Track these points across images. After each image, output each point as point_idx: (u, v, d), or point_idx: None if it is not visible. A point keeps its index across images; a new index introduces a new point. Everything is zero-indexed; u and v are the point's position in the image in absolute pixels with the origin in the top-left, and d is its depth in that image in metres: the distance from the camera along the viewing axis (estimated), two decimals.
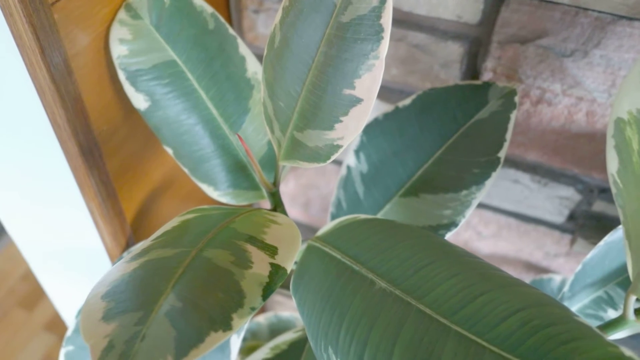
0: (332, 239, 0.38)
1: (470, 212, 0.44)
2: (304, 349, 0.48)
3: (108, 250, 0.53)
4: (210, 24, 0.44)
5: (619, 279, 0.46)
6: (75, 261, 0.60)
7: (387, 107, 0.58)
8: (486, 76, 0.52)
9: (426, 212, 0.45)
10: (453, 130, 0.46)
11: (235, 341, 0.42)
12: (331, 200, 0.50)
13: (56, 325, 1.38)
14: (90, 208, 0.48)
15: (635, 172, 0.35)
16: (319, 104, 0.34)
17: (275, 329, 0.68)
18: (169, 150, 0.45)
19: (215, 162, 0.45)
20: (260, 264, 0.30)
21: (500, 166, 0.43)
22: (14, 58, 0.38)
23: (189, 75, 0.44)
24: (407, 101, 0.47)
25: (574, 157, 0.55)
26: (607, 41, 0.46)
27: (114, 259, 0.54)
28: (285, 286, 0.73)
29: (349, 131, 0.34)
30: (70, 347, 0.48)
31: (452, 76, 0.54)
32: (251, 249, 0.32)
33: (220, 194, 0.46)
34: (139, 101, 0.43)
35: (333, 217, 0.50)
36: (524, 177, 0.59)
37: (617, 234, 0.44)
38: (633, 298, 0.34)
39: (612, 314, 0.47)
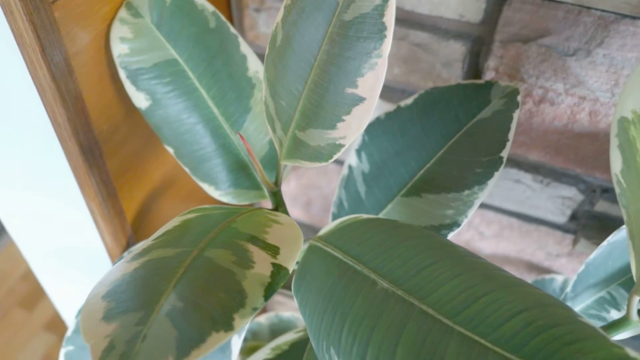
0: (333, 238, 0.37)
1: (472, 212, 0.43)
2: (306, 349, 0.48)
3: (108, 250, 0.53)
4: (211, 23, 0.44)
5: (622, 279, 0.46)
6: (75, 261, 0.60)
7: (388, 107, 0.58)
8: (488, 75, 0.52)
9: (428, 212, 0.45)
10: (455, 130, 0.46)
11: (236, 341, 0.42)
12: (333, 200, 0.50)
13: (56, 325, 1.38)
14: (90, 207, 0.48)
15: (639, 172, 0.34)
16: (321, 102, 0.34)
17: (276, 329, 0.68)
18: (170, 150, 0.44)
19: (216, 161, 0.45)
20: (262, 264, 0.30)
21: (502, 166, 0.43)
22: (15, 56, 0.38)
23: (190, 74, 0.44)
24: (409, 100, 0.47)
25: (576, 157, 0.54)
26: (610, 40, 0.45)
27: (114, 259, 0.53)
28: (286, 286, 0.73)
29: (351, 130, 0.34)
30: (71, 347, 0.48)
31: (454, 75, 0.54)
32: (253, 248, 0.31)
33: (221, 193, 0.46)
34: (140, 100, 0.43)
35: (334, 217, 0.50)
36: (526, 177, 0.59)
37: (620, 234, 0.44)
38: (636, 299, 0.33)
39: (614, 314, 0.47)
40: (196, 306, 0.26)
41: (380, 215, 0.47)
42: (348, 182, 0.49)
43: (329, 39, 0.33)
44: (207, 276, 0.28)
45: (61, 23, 0.37)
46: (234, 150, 0.45)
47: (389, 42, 0.30)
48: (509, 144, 0.43)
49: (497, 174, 0.43)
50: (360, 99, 0.32)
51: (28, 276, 1.48)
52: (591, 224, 0.59)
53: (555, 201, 0.59)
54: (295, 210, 0.79)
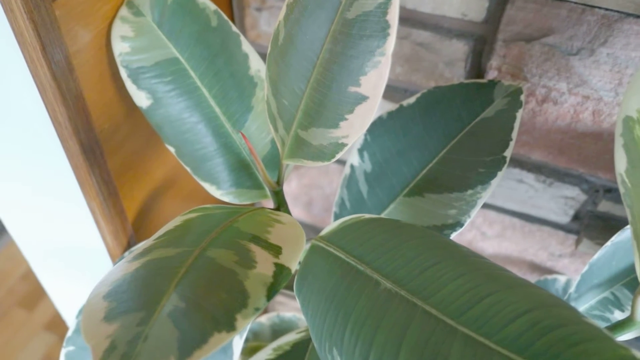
0: (336, 238, 0.37)
1: (475, 211, 0.43)
2: (307, 349, 0.48)
3: (109, 250, 0.52)
4: (213, 21, 0.44)
5: (626, 279, 0.46)
6: (76, 260, 0.59)
7: (391, 106, 0.58)
8: (491, 75, 0.52)
9: (431, 212, 0.45)
10: (458, 129, 0.45)
11: (238, 342, 0.42)
12: (334, 199, 0.50)
13: (56, 324, 1.37)
14: (91, 207, 0.48)
15: None
16: (324, 101, 0.34)
17: (278, 330, 0.68)
18: (171, 149, 0.44)
19: (217, 160, 0.45)
20: (264, 264, 0.30)
21: (506, 165, 0.43)
22: (15, 55, 0.37)
23: (192, 73, 0.43)
24: (411, 100, 0.47)
25: (579, 157, 0.54)
26: (614, 39, 0.45)
27: (115, 259, 0.53)
28: (288, 286, 0.72)
29: (354, 129, 0.33)
30: (71, 348, 0.48)
31: (457, 75, 0.54)
32: (255, 248, 0.31)
33: (222, 193, 0.45)
34: (141, 99, 0.42)
35: (336, 217, 0.49)
36: (529, 177, 0.58)
37: (624, 234, 0.43)
38: None
39: (618, 315, 0.46)
40: (198, 306, 0.26)
41: (383, 215, 0.47)
42: (350, 182, 0.48)
43: (332, 37, 0.32)
44: (209, 276, 0.28)
45: (62, 21, 0.36)
46: (235, 150, 0.45)
47: (392, 40, 0.30)
48: (512, 144, 0.43)
49: (500, 174, 0.43)
50: (363, 98, 0.32)
51: (28, 276, 1.47)
52: (594, 224, 0.59)
53: (558, 201, 0.59)
54: (296, 210, 0.79)
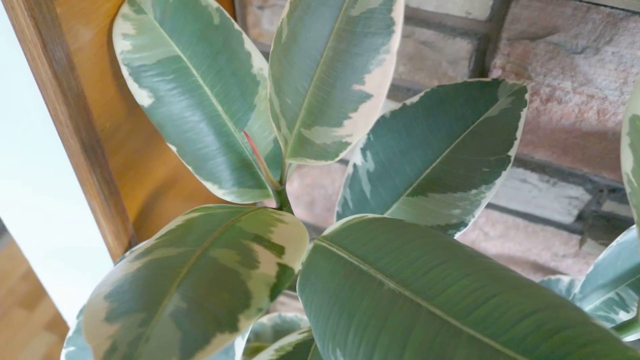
0: (339, 238, 0.37)
1: (479, 211, 0.43)
2: (310, 350, 0.48)
3: (110, 250, 0.52)
4: (215, 19, 0.44)
5: (631, 280, 0.45)
6: (76, 260, 0.59)
7: (394, 105, 0.58)
8: (495, 73, 0.52)
9: (434, 212, 0.44)
10: (462, 129, 0.45)
11: (240, 342, 0.41)
12: (337, 199, 0.49)
13: (57, 324, 1.37)
14: (92, 206, 0.47)
15: None
16: (327, 100, 0.33)
17: (279, 330, 0.67)
18: (173, 148, 0.44)
19: (220, 159, 0.44)
20: (267, 264, 0.30)
21: (510, 165, 0.43)
22: (16, 52, 0.37)
23: (194, 71, 0.43)
24: (414, 99, 0.46)
25: (583, 156, 0.54)
26: (619, 38, 0.45)
27: (116, 259, 0.53)
28: (290, 286, 0.72)
29: (358, 128, 0.33)
30: (72, 348, 0.48)
31: (460, 73, 0.53)
32: (258, 248, 0.31)
33: (225, 192, 0.45)
34: (143, 97, 0.42)
35: (339, 217, 0.49)
36: (532, 177, 0.58)
37: (629, 235, 0.43)
38: None
39: (623, 316, 0.46)
40: (200, 307, 0.26)
41: (386, 215, 0.46)
42: (353, 181, 0.48)
43: (336, 34, 0.32)
44: (212, 276, 0.28)
45: (63, 19, 0.36)
46: (238, 149, 0.45)
47: (397, 38, 0.30)
48: (516, 143, 0.43)
49: (504, 173, 0.43)
50: (367, 96, 0.32)
51: (29, 276, 1.47)
52: (598, 224, 0.58)
53: (562, 201, 0.59)
54: (298, 210, 0.79)
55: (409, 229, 0.35)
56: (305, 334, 0.49)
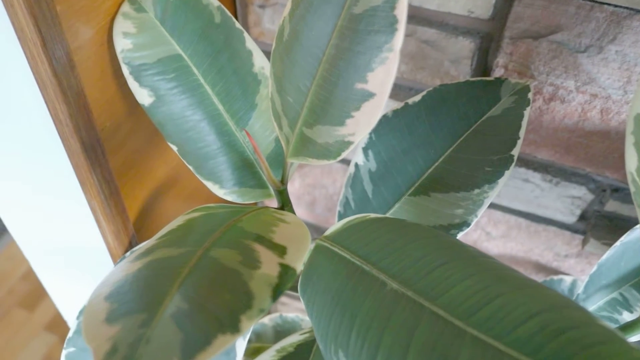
0: (341, 238, 0.37)
1: (482, 211, 0.43)
2: (312, 351, 0.47)
3: (110, 250, 0.52)
4: (216, 18, 0.43)
5: (635, 280, 0.45)
6: (77, 260, 0.59)
7: (395, 105, 0.57)
8: (497, 72, 0.51)
9: (437, 212, 0.44)
10: (464, 128, 0.45)
11: (241, 343, 0.41)
12: (339, 199, 0.49)
13: (57, 325, 1.37)
14: (92, 206, 0.47)
15: None
16: (330, 98, 0.33)
17: (281, 331, 0.67)
18: (174, 147, 0.44)
19: (221, 159, 0.44)
20: (269, 264, 0.29)
21: (513, 164, 0.42)
22: (15, 51, 0.37)
23: (195, 70, 0.43)
24: (416, 98, 0.46)
25: (586, 156, 0.54)
26: (623, 36, 0.44)
27: (116, 259, 0.53)
28: (291, 287, 0.72)
29: (360, 127, 0.33)
30: (72, 349, 0.47)
31: (463, 73, 0.53)
32: (259, 248, 0.31)
33: (226, 192, 0.45)
34: (143, 96, 0.42)
35: (341, 217, 0.49)
36: (535, 176, 0.58)
37: (633, 234, 0.43)
38: None
39: (627, 316, 0.46)
40: (201, 308, 0.25)
41: (388, 215, 0.46)
42: (355, 181, 0.48)
43: (338, 32, 0.32)
44: (213, 277, 0.27)
45: (63, 17, 0.36)
46: (239, 148, 0.45)
47: (400, 36, 0.30)
48: (519, 142, 0.43)
49: (507, 173, 0.42)
50: (370, 95, 0.31)
51: (29, 276, 1.47)
52: (601, 224, 0.58)
53: (565, 201, 0.58)
54: (299, 210, 0.78)
55: (411, 229, 0.35)
56: (307, 335, 0.49)
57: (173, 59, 0.42)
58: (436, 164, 0.45)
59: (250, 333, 0.65)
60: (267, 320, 0.68)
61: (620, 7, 0.43)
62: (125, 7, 0.41)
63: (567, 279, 0.61)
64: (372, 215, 0.38)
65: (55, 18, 0.35)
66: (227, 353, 0.40)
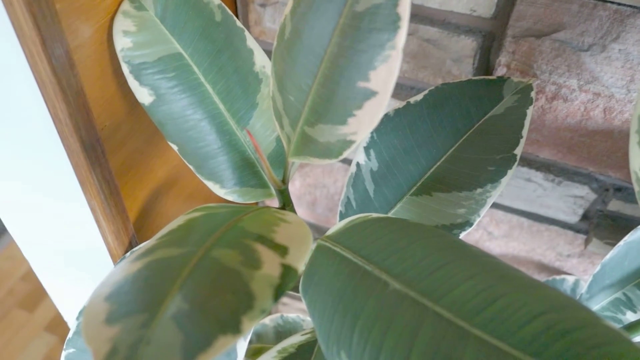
0: (342, 238, 0.36)
1: (485, 210, 0.42)
2: (313, 352, 0.47)
3: (110, 250, 0.52)
4: (217, 16, 0.43)
5: (639, 280, 0.45)
6: (76, 260, 0.59)
7: (397, 104, 0.57)
8: (500, 72, 0.51)
9: (439, 211, 0.44)
10: (467, 127, 0.44)
11: (242, 344, 0.41)
12: (340, 199, 0.49)
13: (57, 325, 1.37)
14: (92, 206, 0.47)
15: None
16: (332, 97, 0.33)
17: (282, 331, 0.67)
18: (174, 147, 0.43)
19: (221, 158, 0.44)
20: (270, 265, 0.29)
21: (516, 164, 0.42)
22: (14, 50, 0.37)
23: (195, 69, 0.43)
24: (418, 97, 0.46)
25: (589, 155, 0.53)
26: (626, 35, 0.44)
27: (116, 259, 0.52)
28: (292, 287, 0.72)
29: (362, 126, 0.32)
30: (72, 350, 0.47)
31: (465, 71, 0.53)
32: (261, 248, 0.30)
33: (226, 191, 0.44)
34: (143, 95, 0.42)
35: (342, 217, 0.49)
36: (537, 176, 0.57)
37: (637, 234, 0.43)
38: None
39: (630, 316, 0.45)
40: (202, 308, 0.25)
41: (390, 215, 0.46)
42: (356, 181, 0.48)
43: (340, 30, 0.31)
44: (214, 277, 0.27)
45: (62, 15, 0.35)
46: (240, 148, 0.44)
47: (403, 34, 0.29)
48: (522, 141, 0.42)
49: (510, 172, 0.42)
50: (372, 93, 0.31)
51: (29, 276, 1.47)
52: (604, 224, 0.58)
53: (567, 200, 0.58)
54: (300, 210, 0.78)
55: (414, 229, 0.35)
56: (308, 335, 0.49)
57: (173, 58, 0.42)
58: (438, 163, 0.45)
59: (251, 334, 0.65)
60: (268, 320, 0.68)
61: (624, 5, 0.43)
62: (125, 5, 0.41)
63: (570, 279, 0.61)
64: (374, 214, 0.37)
65: (54, 16, 0.35)
66: (228, 354, 0.39)
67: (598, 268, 0.43)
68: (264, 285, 0.27)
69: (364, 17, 0.30)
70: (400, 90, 0.57)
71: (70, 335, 0.48)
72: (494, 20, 0.49)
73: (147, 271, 0.28)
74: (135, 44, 0.41)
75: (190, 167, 0.44)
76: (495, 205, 0.63)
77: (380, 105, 0.31)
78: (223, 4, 0.44)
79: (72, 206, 0.49)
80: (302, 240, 0.32)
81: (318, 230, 0.80)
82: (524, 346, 0.25)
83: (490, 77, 0.44)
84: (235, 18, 0.44)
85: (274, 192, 0.45)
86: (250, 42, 0.44)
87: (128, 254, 0.51)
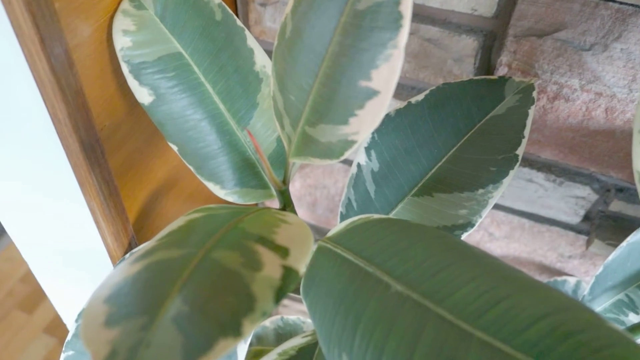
0: (343, 239, 0.36)
1: (487, 211, 0.42)
2: (314, 354, 0.47)
3: (110, 251, 0.51)
4: (217, 15, 0.43)
5: None
6: (76, 262, 0.58)
7: (398, 104, 0.57)
8: (501, 71, 0.51)
9: (441, 212, 0.43)
10: (468, 127, 0.44)
11: (242, 347, 0.40)
12: (341, 200, 0.48)
13: (56, 327, 1.36)
14: (91, 207, 0.46)
15: None
16: (333, 97, 0.33)
17: (282, 333, 0.66)
18: (174, 147, 0.43)
19: (222, 159, 0.44)
20: (271, 266, 0.29)
21: (518, 164, 0.42)
22: (13, 49, 0.36)
23: (195, 69, 0.42)
24: (419, 97, 0.45)
25: (591, 155, 0.53)
26: (628, 34, 0.44)
27: (115, 260, 0.52)
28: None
29: (364, 125, 0.32)
30: (71, 352, 0.47)
31: (466, 71, 0.52)
32: (261, 250, 0.30)
33: (227, 192, 0.44)
34: (143, 95, 0.41)
35: (343, 218, 0.48)
36: (538, 176, 0.57)
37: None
38: None
39: (633, 317, 0.45)
40: (203, 311, 0.25)
41: (391, 216, 0.45)
42: (357, 182, 0.47)
43: (342, 29, 0.31)
44: (214, 279, 0.27)
45: (62, 14, 0.35)
46: (240, 148, 0.44)
47: (405, 32, 0.29)
48: (524, 141, 0.42)
49: (512, 172, 0.42)
50: (374, 93, 0.31)
51: (28, 278, 1.46)
52: (605, 225, 0.57)
53: (569, 201, 0.58)
54: (300, 211, 0.78)
55: (415, 230, 0.34)
56: (309, 338, 0.48)
57: (173, 57, 0.41)
58: (439, 163, 0.44)
59: (251, 336, 0.65)
60: (268, 322, 0.68)
61: (626, 4, 0.43)
62: (125, 4, 0.40)
63: (571, 280, 0.60)
64: (376, 215, 0.37)
65: (53, 15, 0.34)
66: (228, 357, 0.39)
67: (600, 269, 0.43)
68: (264, 287, 0.27)
69: (366, 16, 0.30)
70: (401, 90, 0.57)
71: (69, 337, 0.47)
72: (495, 20, 0.48)
73: (147, 273, 0.27)
74: (135, 43, 0.40)
75: (190, 167, 0.44)
76: (496, 206, 0.63)
77: (382, 104, 0.31)
78: (223, 3, 0.43)
79: (71, 207, 0.49)
80: (303, 242, 0.32)
81: (319, 231, 0.79)
82: (527, 348, 0.25)
83: (492, 77, 0.44)
84: (235, 17, 0.44)
85: (274, 193, 0.44)
86: (251, 41, 0.44)
87: (127, 255, 0.50)
